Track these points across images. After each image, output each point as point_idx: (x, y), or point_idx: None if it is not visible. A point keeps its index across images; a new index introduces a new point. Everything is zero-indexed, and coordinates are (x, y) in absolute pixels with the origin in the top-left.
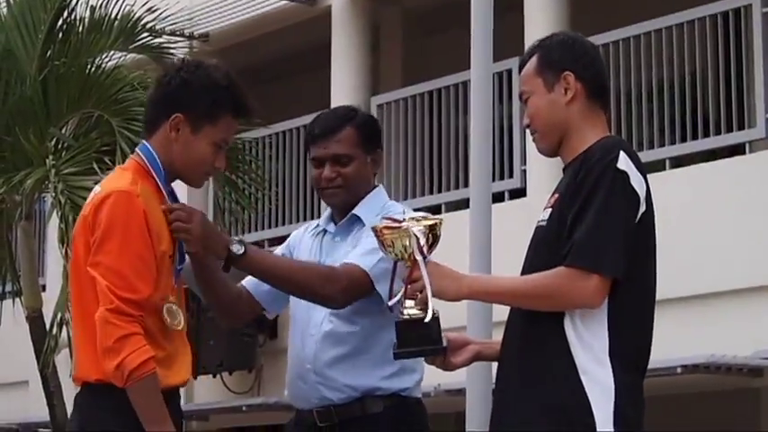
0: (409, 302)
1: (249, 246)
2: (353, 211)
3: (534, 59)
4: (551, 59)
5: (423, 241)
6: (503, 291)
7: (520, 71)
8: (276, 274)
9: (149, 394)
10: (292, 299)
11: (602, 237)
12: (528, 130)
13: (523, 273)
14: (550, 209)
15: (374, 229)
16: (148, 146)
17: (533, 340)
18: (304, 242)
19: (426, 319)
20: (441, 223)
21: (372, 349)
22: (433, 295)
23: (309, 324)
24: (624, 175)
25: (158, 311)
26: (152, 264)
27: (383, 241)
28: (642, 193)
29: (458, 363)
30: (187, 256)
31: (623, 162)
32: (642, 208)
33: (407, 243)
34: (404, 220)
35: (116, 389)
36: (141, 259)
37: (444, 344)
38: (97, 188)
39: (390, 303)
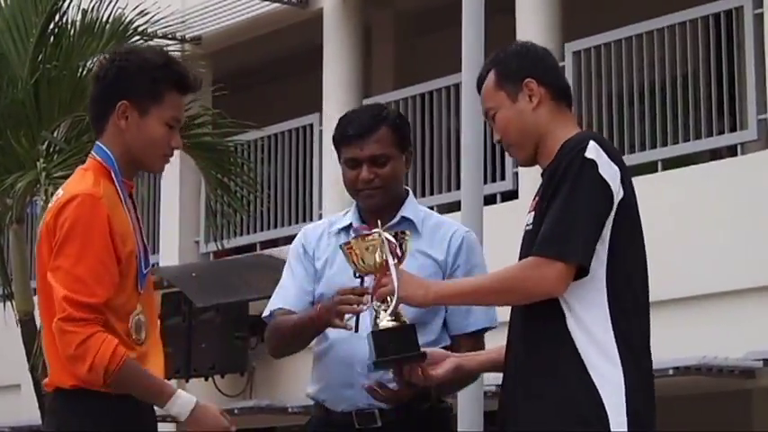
0: (383, 312)
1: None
2: (403, 213)
3: (492, 75)
4: (509, 70)
5: (395, 244)
6: (468, 290)
7: (479, 90)
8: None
9: (134, 377)
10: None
11: (566, 225)
12: (501, 145)
13: None
14: (533, 212)
15: (342, 247)
16: (101, 145)
17: (537, 339)
18: (324, 242)
19: (397, 325)
20: (410, 238)
21: None
22: (401, 301)
23: (360, 328)
24: (592, 162)
25: (127, 318)
26: (113, 268)
27: (354, 255)
28: (615, 181)
29: (438, 375)
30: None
31: (592, 151)
32: (619, 195)
33: (377, 256)
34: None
35: (90, 393)
36: (102, 263)
37: (422, 351)
38: (59, 191)
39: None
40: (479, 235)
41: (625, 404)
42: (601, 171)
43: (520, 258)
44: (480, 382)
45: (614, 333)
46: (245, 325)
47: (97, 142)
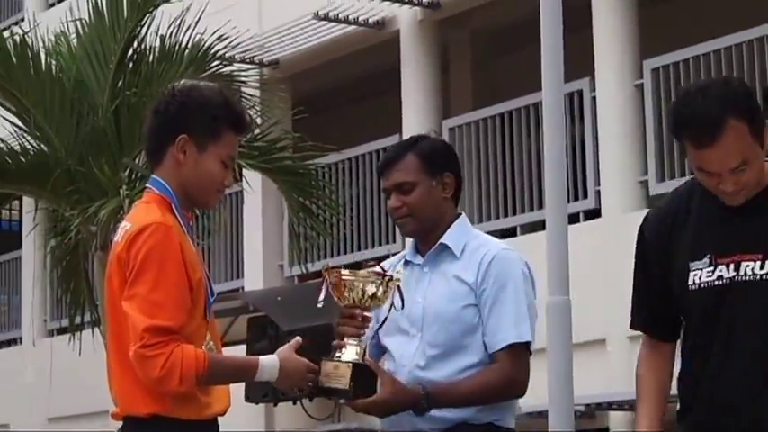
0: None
1: (431, 393)
2: (442, 240)
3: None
4: None
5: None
6: None
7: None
8: (461, 404)
9: (221, 369)
10: (382, 331)
11: None
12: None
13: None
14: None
15: (327, 271)
16: (158, 178)
17: None
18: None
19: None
20: (397, 280)
21: None
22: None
23: (404, 356)
24: None
25: (199, 346)
26: (187, 295)
27: (340, 283)
28: None
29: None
30: None
31: None
32: None
33: (366, 289)
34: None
35: (162, 420)
36: (177, 289)
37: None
38: (126, 224)
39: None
40: (564, 253)
41: None
42: None
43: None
44: (571, 403)
45: None
46: (330, 348)
47: (153, 175)
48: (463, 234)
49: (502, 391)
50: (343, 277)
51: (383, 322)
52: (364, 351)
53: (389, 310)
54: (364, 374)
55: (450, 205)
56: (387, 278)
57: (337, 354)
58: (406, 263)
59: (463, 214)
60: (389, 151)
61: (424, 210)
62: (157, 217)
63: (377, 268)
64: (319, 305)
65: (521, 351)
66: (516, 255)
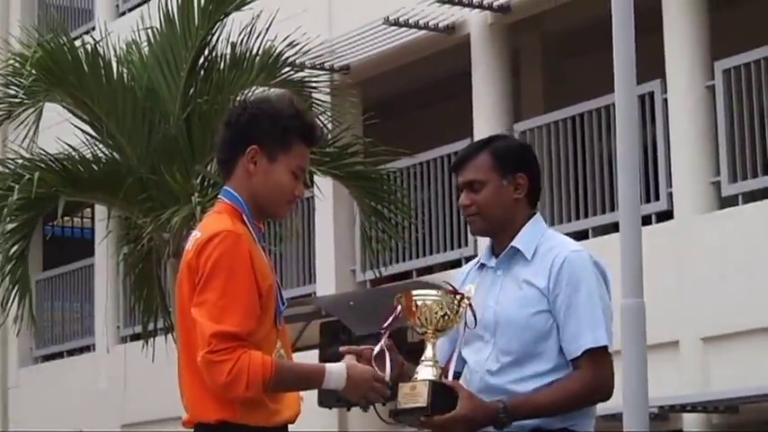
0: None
1: (509, 406)
2: (513, 243)
3: None
4: None
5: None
6: None
7: None
8: (541, 414)
9: (288, 376)
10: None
11: None
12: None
13: None
14: None
15: (399, 299)
16: (229, 189)
17: None
18: (469, 279)
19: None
20: (468, 300)
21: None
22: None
23: (478, 362)
24: None
25: (269, 354)
26: (256, 302)
27: (412, 306)
28: None
29: None
30: None
31: None
32: None
33: (438, 310)
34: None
35: (232, 426)
36: (247, 295)
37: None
38: (196, 233)
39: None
40: (638, 255)
41: None
42: None
43: None
44: (646, 405)
45: None
46: (403, 352)
47: (225, 186)
48: (535, 236)
49: (583, 398)
50: (415, 299)
51: (458, 344)
52: (441, 370)
53: (464, 329)
54: (442, 391)
55: (523, 206)
56: (458, 297)
57: (414, 376)
58: (482, 266)
59: (537, 215)
60: (464, 149)
61: (492, 209)
62: (227, 225)
63: (448, 287)
64: (382, 330)
65: (599, 355)
66: (587, 255)
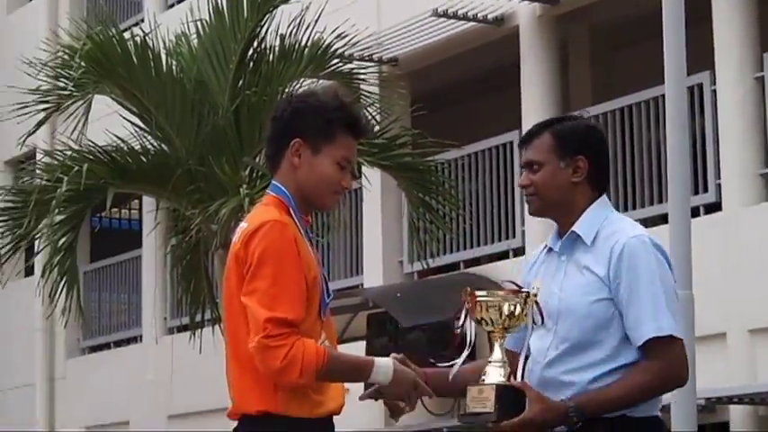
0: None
1: (578, 404)
2: (573, 229)
3: None
4: None
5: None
6: None
7: None
8: (611, 410)
9: (338, 366)
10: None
11: None
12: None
13: None
14: None
15: (466, 294)
16: (276, 182)
17: None
18: (537, 265)
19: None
20: (534, 296)
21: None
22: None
23: (539, 350)
24: None
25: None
26: (304, 291)
27: (477, 305)
28: None
29: None
30: None
31: None
32: None
33: (504, 309)
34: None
35: (276, 418)
36: (296, 284)
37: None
38: (243, 224)
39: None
40: (687, 247)
41: None
42: None
43: None
44: (694, 397)
45: None
46: (450, 344)
47: (273, 180)
48: (596, 221)
49: (651, 389)
50: (480, 299)
51: (527, 340)
52: (510, 370)
53: (531, 328)
54: (509, 395)
55: (584, 190)
56: (524, 295)
57: (482, 377)
58: (549, 250)
59: (602, 198)
60: (530, 128)
61: (548, 190)
62: (274, 216)
63: (512, 286)
64: (457, 330)
65: (664, 343)
66: (648, 239)
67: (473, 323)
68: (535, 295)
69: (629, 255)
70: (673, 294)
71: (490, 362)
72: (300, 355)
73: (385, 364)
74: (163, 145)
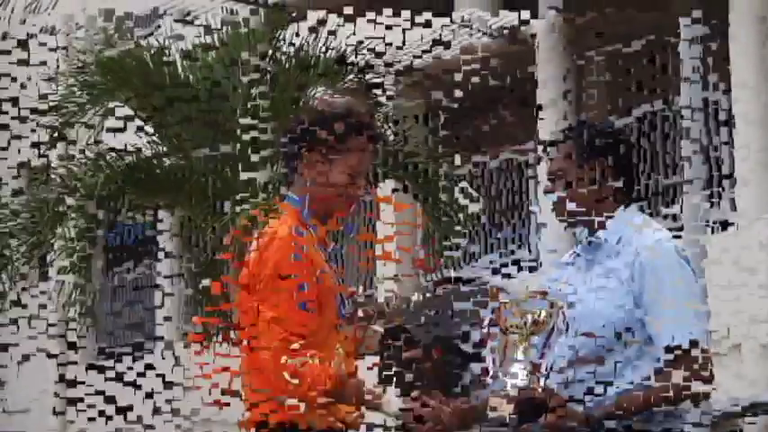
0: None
1: (598, 411)
2: (598, 234)
3: None
4: None
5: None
6: None
7: None
8: (633, 416)
9: (348, 390)
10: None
11: None
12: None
13: None
14: None
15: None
16: (290, 193)
17: None
18: (564, 268)
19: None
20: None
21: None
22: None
23: (557, 354)
24: None
25: (328, 355)
26: (315, 304)
27: (500, 309)
28: None
29: None
30: None
31: None
32: None
33: (528, 315)
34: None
35: (290, 427)
36: (308, 296)
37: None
38: (258, 234)
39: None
40: (699, 260)
41: None
42: None
43: None
44: (708, 407)
45: None
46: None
47: (288, 192)
48: (621, 225)
49: (669, 398)
50: (503, 303)
51: (545, 347)
52: (532, 372)
53: (556, 334)
54: (529, 402)
55: (607, 194)
56: (549, 302)
57: (504, 378)
58: (577, 256)
59: (629, 203)
60: (553, 134)
61: (573, 196)
62: (287, 227)
63: (537, 291)
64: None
65: (687, 351)
66: (671, 246)
67: (494, 349)
68: (561, 303)
69: (652, 261)
70: (697, 299)
71: (513, 363)
72: (311, 372)
73: (395, 402)
74: (179, 154)
